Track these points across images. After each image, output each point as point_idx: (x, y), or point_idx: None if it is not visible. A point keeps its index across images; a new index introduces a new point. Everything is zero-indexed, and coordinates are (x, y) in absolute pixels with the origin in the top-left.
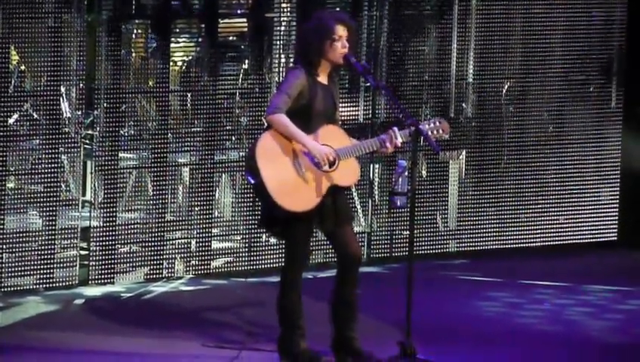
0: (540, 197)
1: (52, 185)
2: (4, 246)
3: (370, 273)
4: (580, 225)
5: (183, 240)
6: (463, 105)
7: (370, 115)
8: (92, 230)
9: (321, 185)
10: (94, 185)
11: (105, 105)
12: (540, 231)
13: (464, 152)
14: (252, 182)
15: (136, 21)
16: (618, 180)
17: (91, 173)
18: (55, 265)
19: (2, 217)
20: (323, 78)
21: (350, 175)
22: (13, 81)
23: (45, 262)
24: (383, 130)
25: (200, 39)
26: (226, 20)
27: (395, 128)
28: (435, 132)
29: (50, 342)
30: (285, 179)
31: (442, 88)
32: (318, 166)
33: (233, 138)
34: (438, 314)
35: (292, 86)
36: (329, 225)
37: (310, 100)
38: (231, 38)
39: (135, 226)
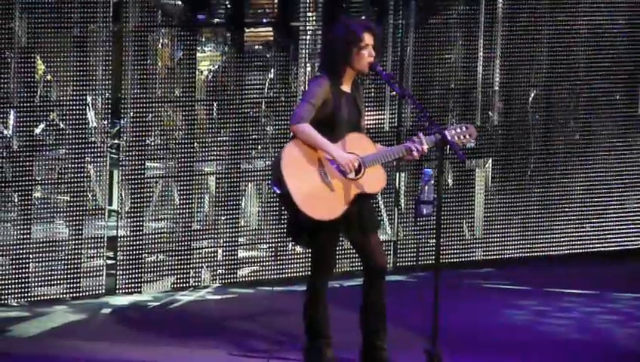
0: (566, 205)
1: (78, 194)
2: (32, 256)
3: (396, 281)
4: (606, 232)
5: (209, 249)
6: (489, 113)
7: (395, 124)
8: (119, 239)
9: (347, 193)
10: (121, 194)
11: (131, 114)
12: (566, 239)
13: (490, 160)
14: (278, 192)
15: (162, 30)
16: None
17: (118, 182)
18: (82, 275)
19: (29, 227)
20: (346, 87)
21: (376, 182)
22: (39, 91)
23: (72, 271)
24: (408, 138)
25: (226, 48)
26: (252, 29)
27: (421, 134)
28: (461, 137)
29: (78, 351)
30: (311, 188)
31: (468, 96)
32: (343, 174)
33: (259, 147)
34: (464, 322)
35: (316, 95)
36: (355, 234)
37: (334, 109)
38: (257, 47)
39: (162, 235)
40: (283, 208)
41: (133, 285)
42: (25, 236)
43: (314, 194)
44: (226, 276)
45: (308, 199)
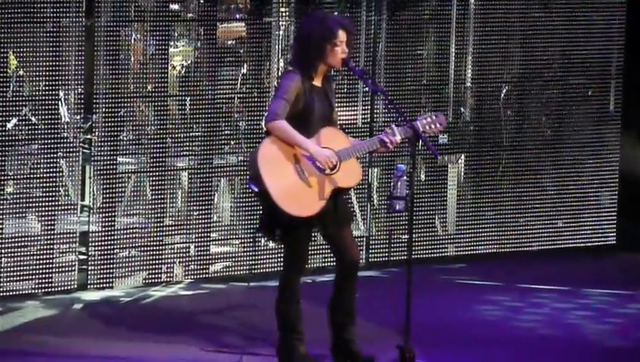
0: (538, 201)
1: (51, 189)
2: (3, 251)
3: (369, 277)
4: (578, 228)
5: (181, 245)
6: (462, 109)
7: (368, 119)
8: (91, 234)
9: (324, 188)
10: (93, 189)
11: (103, 109)
12: (538, 235)
13: (463, 156)
14: (255, 190)
15: (135, 25)
16: (617, 184)
17: (90, 177)
18: (54, 270)
19: (1, 222)
20: (318, 81)
21: (352, 176)
22: (11, 86)
23: (44, 266)
24: (382, 131)
25: (199, 43)
26: (225, 25)
27: (393, 125)
28: (432, 126)
29: (49, 346)
30: (289, 185)
31: (440, 92)
32: (320, 170)
33: (232, 142)
34: (436, 318)
35: (289, 90)
36: (330, 228)
37: (307, 103)
38: (230, 42)
39: (134, 231)
40: (257, 204)
41: (105, 280)
42: None
43: (292, 191)
44: (199, 271)
45: (286, 196)
